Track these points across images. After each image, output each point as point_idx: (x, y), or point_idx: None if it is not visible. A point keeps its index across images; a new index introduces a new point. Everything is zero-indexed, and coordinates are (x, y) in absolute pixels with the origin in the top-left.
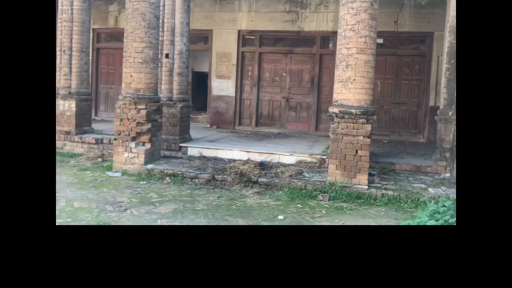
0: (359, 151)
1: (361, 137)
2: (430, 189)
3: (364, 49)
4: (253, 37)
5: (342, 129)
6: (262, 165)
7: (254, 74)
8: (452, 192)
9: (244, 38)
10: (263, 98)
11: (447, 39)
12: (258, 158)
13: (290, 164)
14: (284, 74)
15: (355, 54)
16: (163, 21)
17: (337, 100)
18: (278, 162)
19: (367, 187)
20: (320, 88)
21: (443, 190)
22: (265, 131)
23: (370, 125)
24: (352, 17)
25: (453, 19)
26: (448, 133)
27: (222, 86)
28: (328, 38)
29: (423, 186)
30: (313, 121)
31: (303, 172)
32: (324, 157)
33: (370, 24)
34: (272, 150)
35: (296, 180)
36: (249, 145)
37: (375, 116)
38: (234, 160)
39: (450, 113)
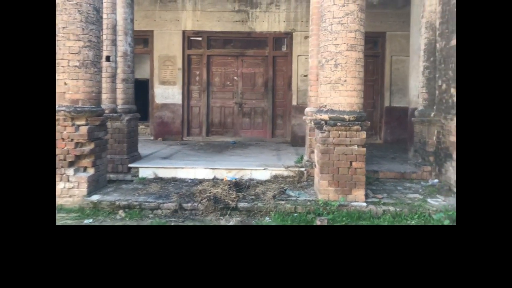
0: (353, 163)
1: (356, 147)
2: (429, 200)
3: (354, 46)
4: (200, 39)
5: (334, 138)
6: (238, 186)
7: (202, 78)
8: (452, 201)
9: (189, 40)
10: (213, 104)
11: (424, 36)
12: (227, 176)
13: (266, 181)
14: (235, 78)
15: (345, 52)
16: (101, 17)
17: (326, 105)
18: (250, 179)
19: (365, 204)
20: (275, 92)
21: (443, 201)
22: (218, 141)
23: (364, 132)
24: (339, 9)
25: (429, 15)
26: (431, 136)
27: (167, 93)
28: (281, 39)
29: (418, 196)
30: (269, 127)
31: (286, 190)
32: (302, 169)
33: (360, 17)
34: (240, 165)
35: (282, 202)
36: (210, 160)
37: (369, 122)
38: (200, 181)
39: (433, 114)
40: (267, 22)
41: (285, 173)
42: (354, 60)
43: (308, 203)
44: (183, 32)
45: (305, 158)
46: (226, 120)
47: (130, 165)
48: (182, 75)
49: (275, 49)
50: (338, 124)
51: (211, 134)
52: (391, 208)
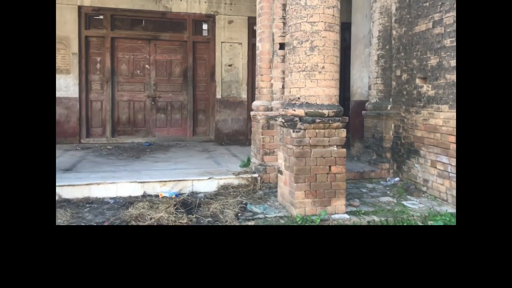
0: (332, 167)
1: (335, 148)
2: (405, 203)
3: (332, 25)
4: (102, 17)
5: (311, 138)
6: (186, 205)
7: (105, 66)
8: (429, 203)
9: (88, 18)
10: (120, 98)
11: (377, 22)
12: (162, 191)
13: (215, 194)
14: (147, 66)
15: (322, 32)
16: None
17: (299, 98)
18: (194, 193)
19: (348, 216)
20: (195, 83)
21: (419, 203)
22: (127, 142)
23: (344, 130)
24: None
25: None
26: (387, 130)
27: (58, 85)
28: (201, 22)
29: (391, 199)
30: (190, 124)
31: (246, 204)
32: (254, 175)
33: None
34: (175, 175)
35: (250, 223)
36: (130, 169)
37: (347, 118)
38: (127, 201)
39: (389, 106)
40: (185, 2)
41: (235, 181)
42: (332, 43)
43: (282, 221)
44: (79, 8)
45: (255, 161)
46: (137, 117)
47: None
48: (79, 62)
49: (195, 34)
50: (317, 120)
51: (117, 135)
52: (376, 219)
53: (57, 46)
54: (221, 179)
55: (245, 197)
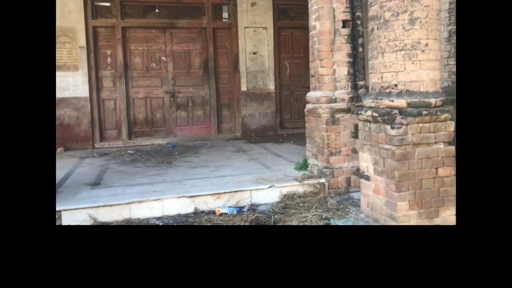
0: (440, 170)
1: (441, 145)
2: None
3: None
4: (109, 4)
5: (413, 135)
6: (259, 224)
7: (117, 60)
8: None
9: (95, 6)
10: (135, 95)
11: None
12: (216, 205)
13: (282, 206)
14: (164, 58)
15: None
16: None
17: (396, 84)
18: (252, 205)
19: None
20: (217, 75)
21: None
22: (146, 145)
23: (453, 122)
24: None
25: None
26: None
27: (66, 83)
28: (221, 6)
29: None
30: (214, 121)
31: (329, 219)
32: (321, 180)
33: None
34: (227, 184)
35: None
36: (170, 179)
37: (452, 107)
38: (179, 222)
39: None
40: None
41: (300, 189)
42: (435, 13)
43: None
44: None
45: (315, 163)
46: (155, 115)
47: None
48: (87, 56)
49: (215, 19)
50: (424, 113)
51: (134, 137)
52: None
53: (62, 39)
54: (283, 187)
55: (320, 209)
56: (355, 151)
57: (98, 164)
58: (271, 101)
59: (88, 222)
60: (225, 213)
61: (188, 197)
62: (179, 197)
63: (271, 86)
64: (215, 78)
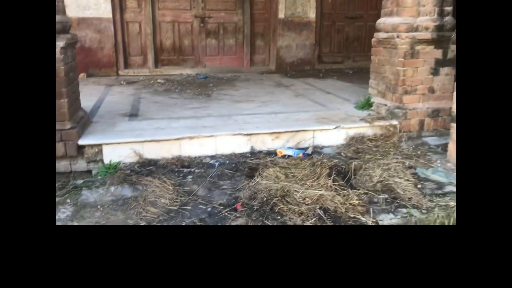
0: None
1: None
2: None
3: None
4: None
5: None
6: (339, 173)
7: None
8: None
9: None
10: (162, 18)
11: None
12: (275, 144)
13: (353, 150)
14: None
15: None
16: None
17: None
18: (315, 147)
19: None
20: None
21: None
22: (174, 74)
23: None
24: None
25: None
26: None
27: (87, 1)
28: None
29: None
30: (246, 51)
31: (414, 168)
32: (393, 122)
33: None
34: (286, 124)
35: (452, 203)
36: (216, 112)
37: None
38: (236, 162)
39: None
40: None
41: (368, 131)
42: None
43: None
44: None
45: (383, 102)
46: (183, 42)
47: (81, 142)
48: None
49: None
50: None
51: (161, 65)
52: None
53: None
54: (350, 128)
55: (399, 155)
56: (432, 90)
57: (129, 93)
58: (310, 31)
59: (133, 158)
60: (289, 155)
61: (245, 135)
62: (234, 135)
63: (312, 15)
64: (250, 3)
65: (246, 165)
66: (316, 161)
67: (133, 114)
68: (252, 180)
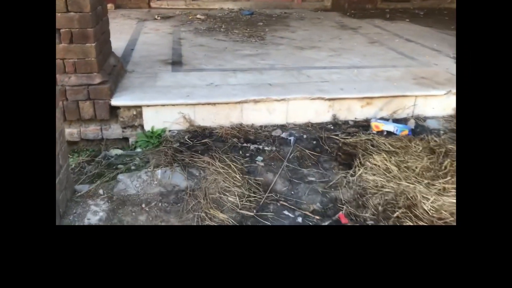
0: None
1: None
2: None
3: None
4: None
5: None
6: None
7: None
8: None
9: None
10: None
11: None
12: (366, 114)
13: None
14: None
15: None
16: None
17: None
18: (417, 119)
19: None
20: None
21: None
22: (214, 8)
23: None
24: None
25: None
26: None
27: None
28: None
29: None
30: None
31: None
32: None
33: None
34: (377, 85)
35: None
36: (280, 63)
37: None
38: (316, 137)
39: None
40: None
41: None
42: None
43: None
44: None
45: None
46: None
47: (114, 103)
48: None
49: None
50: None
51: None
52: None
53: None
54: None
55: None
56: None
57: (166, 30)
58: None
59: (181, 125)
60: (390, 132)
61: (327, 99)
62: (312, 99)
63: None
64: None
65: (331, 143)
66: (435, 144)
67: (176, 62)
68: (351, 172)
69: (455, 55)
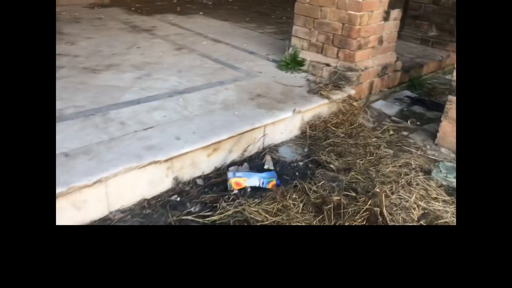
0: None
1: None
2: None
3: None
4: None
5: None
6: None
7: None
8: None
9: None
10: None
11: None
12: (211, 164)
13: (304, 141)
14: None
15: None
16: None
17: None
18: (269, 149)
19: None
20: None
21: None
22: None
23: None
24: None
25: None
26: None
27: None
28: None
29: None
30: None
31: (427, 172)
32: (350, 90)
33: None
34: (219, 119)
35: None
36: (72, 104)
37: None
38: None
39: None
40: None
41: (324, 110)
42: None
43: None
44: None
45: (323, 59)
46: None
47: None
48: None
49: None
50: None
51: None
52: None
53: None
54: (306, 111)
55: (383, 143)
56: (381, 41)
57: None
58: None
59: None
60: (255, 187)
61: (163, 161)
62: (142, 167)
63: None
64: None
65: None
66: (315, 197)
67: None
68: None
69: (268, 56)
